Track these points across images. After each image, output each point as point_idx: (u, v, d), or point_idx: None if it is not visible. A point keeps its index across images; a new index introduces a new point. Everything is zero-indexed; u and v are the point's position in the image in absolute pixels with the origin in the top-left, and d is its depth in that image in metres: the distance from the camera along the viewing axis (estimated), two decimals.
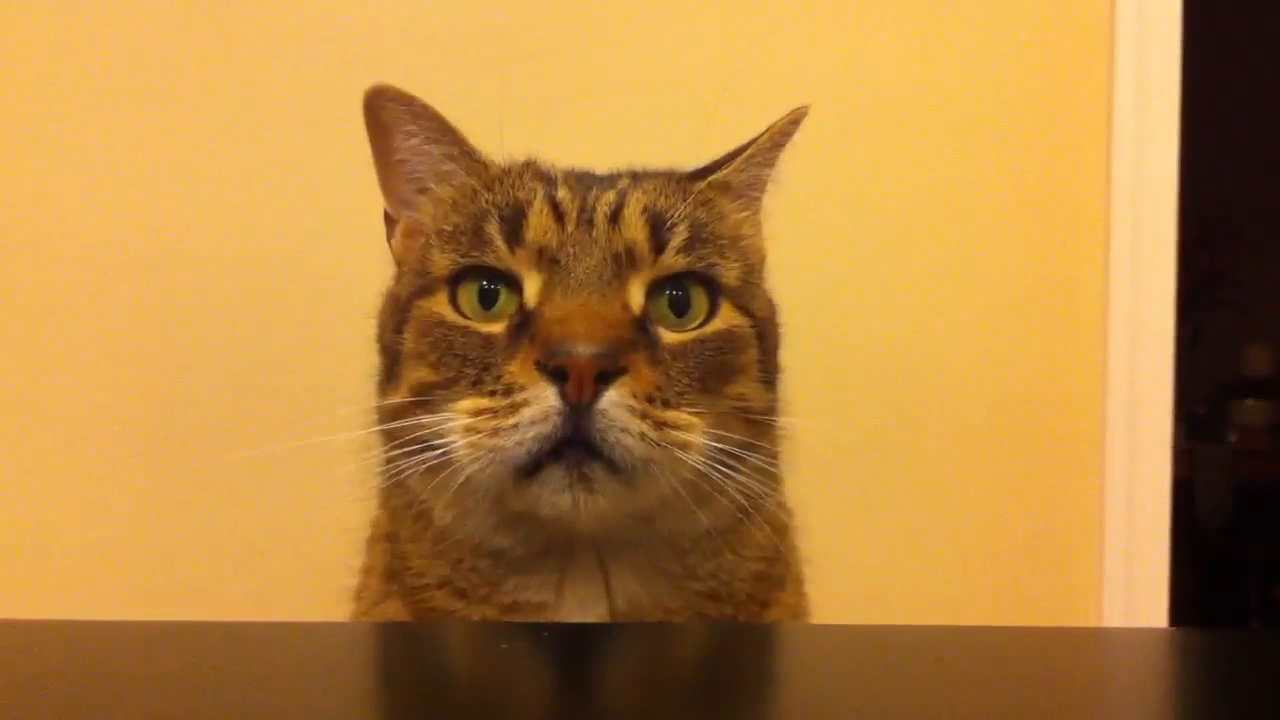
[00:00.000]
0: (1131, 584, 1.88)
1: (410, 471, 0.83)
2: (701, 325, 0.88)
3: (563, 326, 0.79)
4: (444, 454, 0.80)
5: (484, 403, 0.79)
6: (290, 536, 1.63)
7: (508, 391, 0.79)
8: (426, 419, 0.81)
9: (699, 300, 0.89)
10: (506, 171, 0.92)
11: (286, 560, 1.63)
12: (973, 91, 1.88)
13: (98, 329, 1.69)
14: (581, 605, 0.87)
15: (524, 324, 0.82)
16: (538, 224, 0.85)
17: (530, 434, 0.77)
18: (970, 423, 1.86)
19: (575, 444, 0.78)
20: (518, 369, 0.79)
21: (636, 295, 0.85)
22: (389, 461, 0.86)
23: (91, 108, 1.70)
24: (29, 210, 1.69)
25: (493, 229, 0.86)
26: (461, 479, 0.80)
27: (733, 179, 0.97)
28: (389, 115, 0.93)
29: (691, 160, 0.98)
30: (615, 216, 0.87)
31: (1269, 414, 4.22)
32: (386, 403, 0.87)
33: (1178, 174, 1.90)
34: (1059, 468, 1.91)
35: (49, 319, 1.69)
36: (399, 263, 0.96)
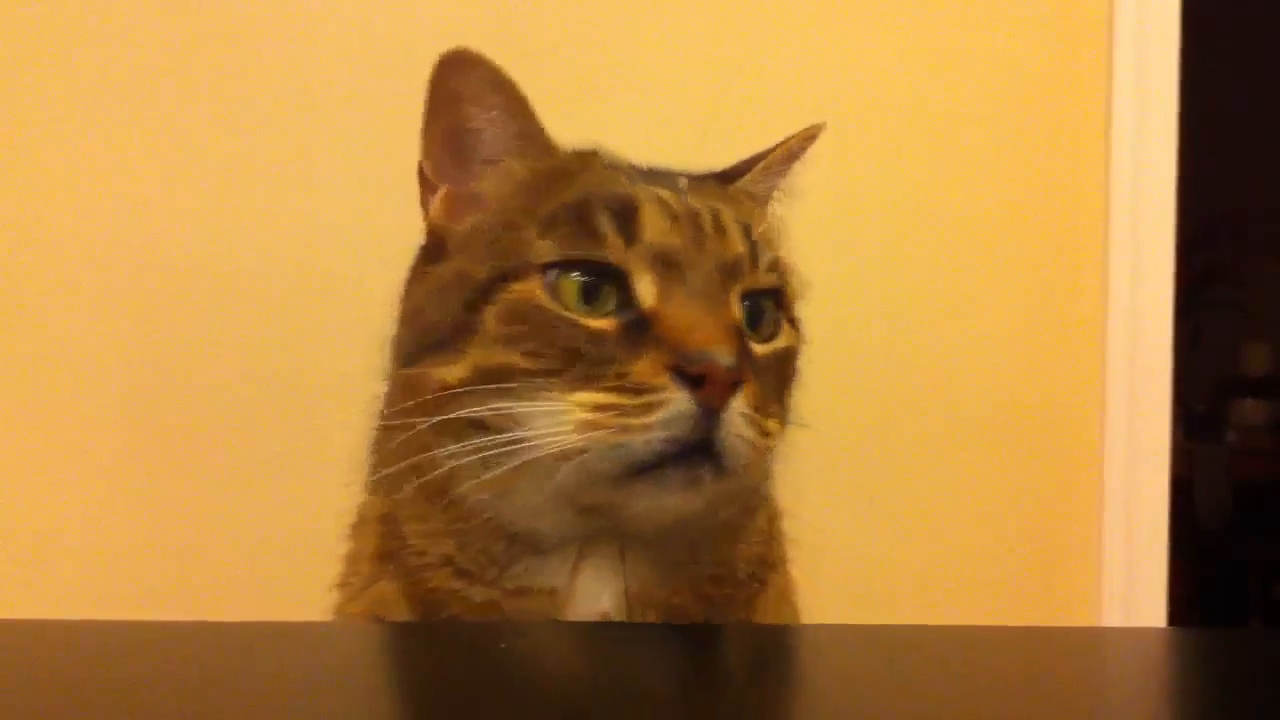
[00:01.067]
0: (1130, 583, 1.88)
1: (453, 450, 0.82)
2: (774, 339, 0.90)
3: (696, 334, 0.80)
4: (518, 440, 0.79)
5: (610, 399, 0.78)
6: (291, 536, 1.64)
7: (638, 391, 0.78)
8: (519, 405, 0.80)
9: (771, 314, 0.91)
10: (579, 156, 0.92)
11: (287, 560, 1.63)
12: (971, 91, 1.88)
13: (98, 329, 1.69)
14: (592, 592, 0.87)
15: (638, 323, 0.82)
16: (654, 224, 0.84)
17: (661, 435, 0.78)
18: (969, 422, 1.86)
19: (695, 447, 0.79)
20: (648, 370, 0.79)
21: (736, 307, 0.86)
22: (413, 437, 0.84)
23: (90, 106, 1.70)
24: (29, 210, 1.69)
25: (604, 222, 0.84)
26: (540, 467, 0.79)
27: (757, 189, 0.98)
28: (467, 81, 0.89)
29: (693, 162, 0.98)
30: (718, 226, 0.87)
31: (1268, 413, 4.23)
32: (433, 377, 0.84)
33: (1176, 172, 1.91)
34: (1058, 467, 1.91)
35: (49, 319, 1.69)
36: (438, 230, 0.93)
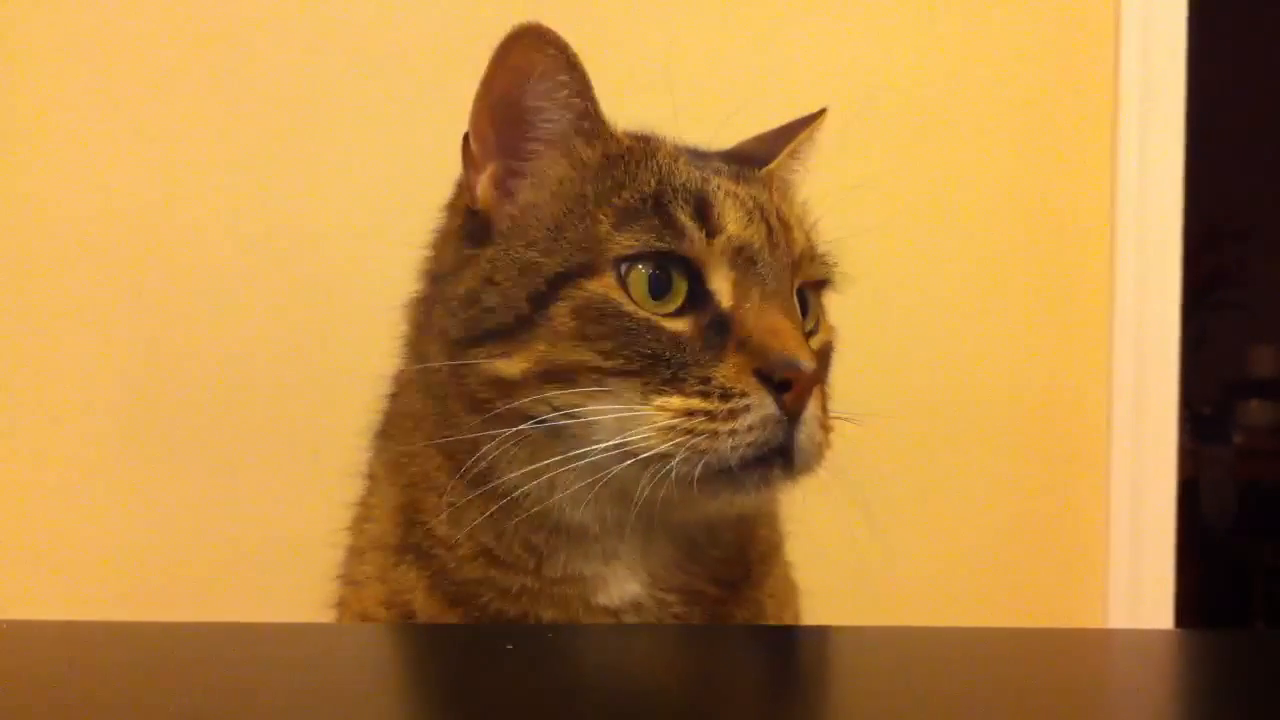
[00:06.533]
0: (1137, 585, 1.87)
1: (508, 445, 0.81)
2: (817, 332, 0.91)
3: (780, 339, 0.80)
4: (595, 447, 0.78)
5: (697, 404, 0.78)
6: (291, 536, 1.63)
7: (725, 396, 0.78)
8: (591, 408, 0.79)
9: (815, 306, 0.92)
10: (639, 140, 0.90)
11: (286, 560, 1.63)
12: (978, 94, 1.88)
13: (98, 330, 1.69)
14: (622, 577, 0.87)
15: (717, 324, 0.81)
16: (734, 218, 0.84)
17: (748, 439, 0.78)
18: (975, 423, 1.86)
19: (775, 449, 0.79)
20: (733, 375, 0.79)
21: (796, 301, 0.87)
22: (455, 429, 0.83)
23: (90, 105, 1.70)
24: (29, 209, 1.69)
25: (684, 216, 0.82)
26: (600, 465, 0.78)
27: (788, 175, 0.99)
28: (537, 57, 0.85)
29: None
30: (783, 221, 0.87)
31: (1274, 414, 4.22)
32: (487, 370, 0.82)
33: (1183, 174, 1.90)
34: (1064, 468, 1.90)
35: (49, 320, 1.69)
36: (484, 210, 0.89)
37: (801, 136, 0.99)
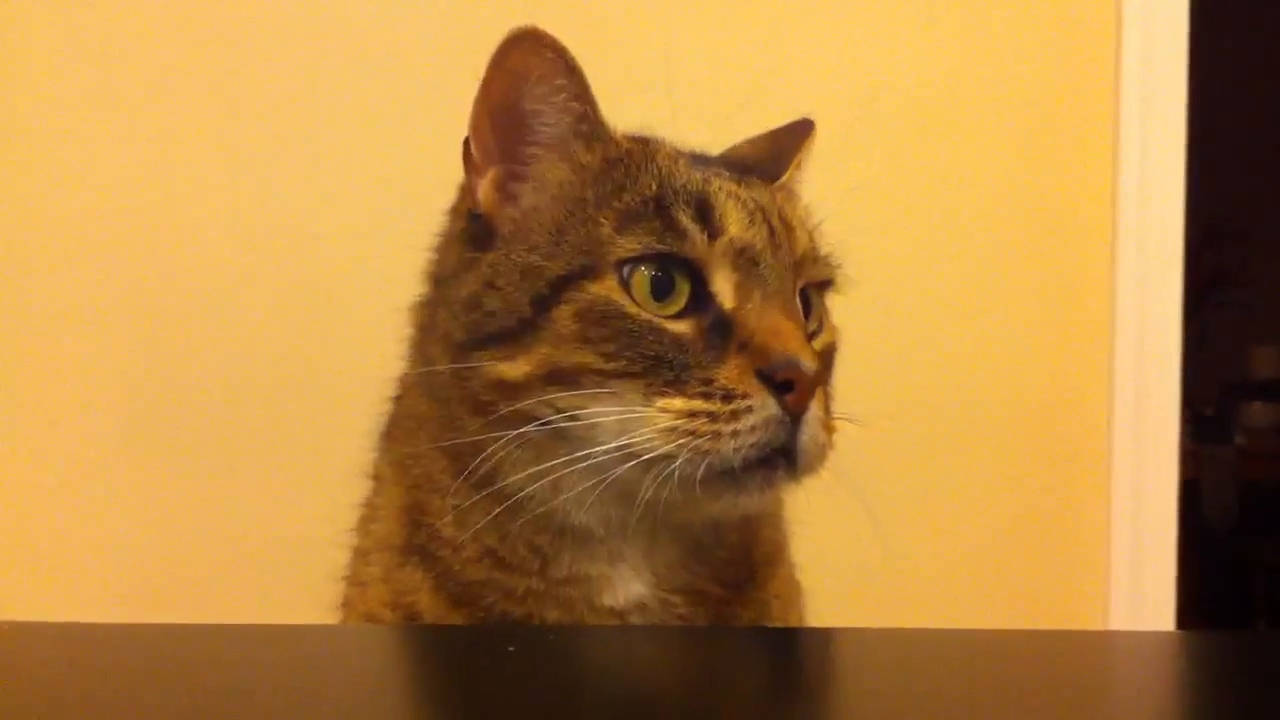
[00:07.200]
0: (1138, 586, 1.87)
1: (511, 447, 0.81)
2: (819, 333, 0.91)
3: (782, 340, 0.80)
4: (598, 449, 0.78)
5: (699, 405, 0.78)
6: (291, 537, 1.63)
7: (727, 397, 0.78)
8: (595, 410, 0.79)
9: (818, 307, 0.92)
10: (639, 143, 0.90)
11: (287, 561, 1.63)
12: (980, 93, 1.88)
13: (98, 330, 1.69)
14: (626, 578, 0.86)
15: (719, 325, 0.81)
16: (736, 219, 0.84)
17: (750, 440, 0.78)
18: (976, 424, 1.86)
19: (777, 450, 0.79)
20: (735, 376, 0.79)
21: (798, 302, 0.87)
22: (460, 432, 0.84)
23: (90, 104, 1.70)
24: (29, 209, 1.69)
25: (685, 217, 0.82)
26: (604, 467, 0.78)
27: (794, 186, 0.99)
28: (534, 61, 0.85)
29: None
30: (785, 222, 0.87)
31: (1275, 415, 4.22)
32: (490, 373, 0.82)
33: (1184, 174, 1.90)
34: (1065, 469, 1.90)
35: (49, 320, 1.69)
36: (487, 214, 0.89)
37: (804, 147, 1.00)
